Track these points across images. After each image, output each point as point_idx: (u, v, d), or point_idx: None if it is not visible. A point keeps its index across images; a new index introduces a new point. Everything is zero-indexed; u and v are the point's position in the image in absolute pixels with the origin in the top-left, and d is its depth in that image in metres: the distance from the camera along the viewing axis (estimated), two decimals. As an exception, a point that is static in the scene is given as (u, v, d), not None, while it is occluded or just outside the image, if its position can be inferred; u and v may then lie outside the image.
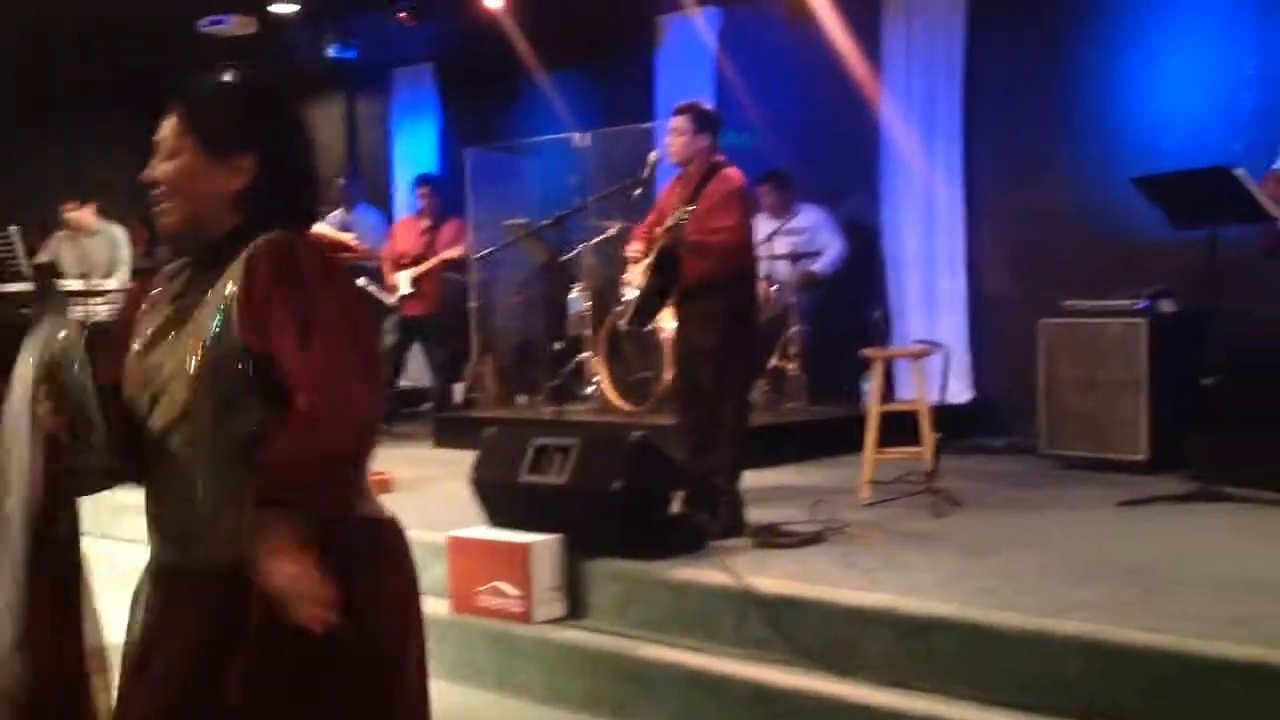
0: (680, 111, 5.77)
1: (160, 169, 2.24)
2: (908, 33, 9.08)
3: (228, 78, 2.32)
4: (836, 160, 9.37)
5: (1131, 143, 7.94)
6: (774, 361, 8.58)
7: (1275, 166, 6.55)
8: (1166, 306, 7.00)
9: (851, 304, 9.06)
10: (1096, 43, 8.25)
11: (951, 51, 8.86)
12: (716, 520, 5.27)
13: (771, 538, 5.30)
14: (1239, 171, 6.03)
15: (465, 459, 5.61)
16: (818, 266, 8.92)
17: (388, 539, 2.27)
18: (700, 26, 9.98)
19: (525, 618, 4.95)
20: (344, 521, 2.12)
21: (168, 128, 2.24)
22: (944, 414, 6.64)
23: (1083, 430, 7.07)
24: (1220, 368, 6.20)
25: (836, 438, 7.64)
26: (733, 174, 5.64)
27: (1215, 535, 5.32)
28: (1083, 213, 8.14)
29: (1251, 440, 6.38)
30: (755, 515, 5.56)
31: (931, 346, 6.83)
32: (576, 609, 5.03)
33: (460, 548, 5.23)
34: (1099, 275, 7.51)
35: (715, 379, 5.56)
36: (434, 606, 4.81)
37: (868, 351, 6.75)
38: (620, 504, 4.96)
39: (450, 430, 8.84)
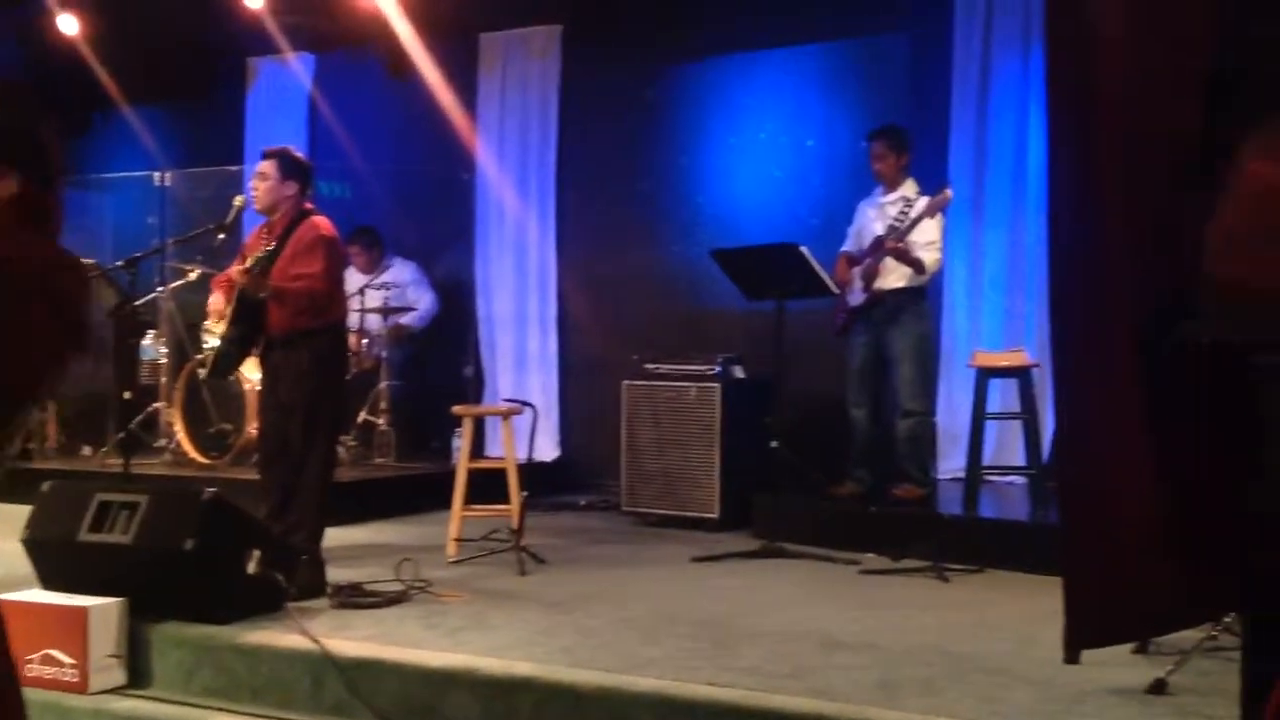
0: (267, 156, 5.59)
1: None
2: (502, 94, 9.25)
3: None
4: (433, 214, 9.40)
5: (712, 216, 8.42)
6: (363, 416, 8.43)
7: (845, 248, 7.12)
8: (738, 372, 7.40)
9: (444, 360, 9.07)
10: (682, 119, 8.70)
11: (546, 117, 9.10)
12: (295, 581, 5.09)
13: (353, 598, 5.17)
14: (804, 249, 6.50)
15: (20, 515, 5.15)
16: (408, 320, 8.87)
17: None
18: (294, 71, 9.77)
19: (81, 688, 4.58)
20: None
21: None
22: (532, 472, 6.72)
23: (661, 489, 7.35)
24: (784, 432, 6.62)
25: (425, 495, 7.58)
26: (320, 222, 5.51)
27: (776, 590, 5.63)
28: (665, 281, 8.54)
29: (805, 500, 6.89)
30: (338, 575, 5.42)
31: (521, 405, 6.90)
32: (138, 677, 4.70)
33: (9, 612, 4.76)
34: (679, 340, 7.87)
35: (301, 433, 5.39)
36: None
37: (458, 408, 6.75)
38: (191, 564, 4.69)
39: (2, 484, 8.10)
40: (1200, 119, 1.93)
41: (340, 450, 7.17)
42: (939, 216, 6.75)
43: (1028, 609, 5.00)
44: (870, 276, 6.83)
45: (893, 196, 6.92)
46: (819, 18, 8.02)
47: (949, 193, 6.71)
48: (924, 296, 6.94)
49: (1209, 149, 1.89)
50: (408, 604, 5.16)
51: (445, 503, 6.43)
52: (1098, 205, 2.17)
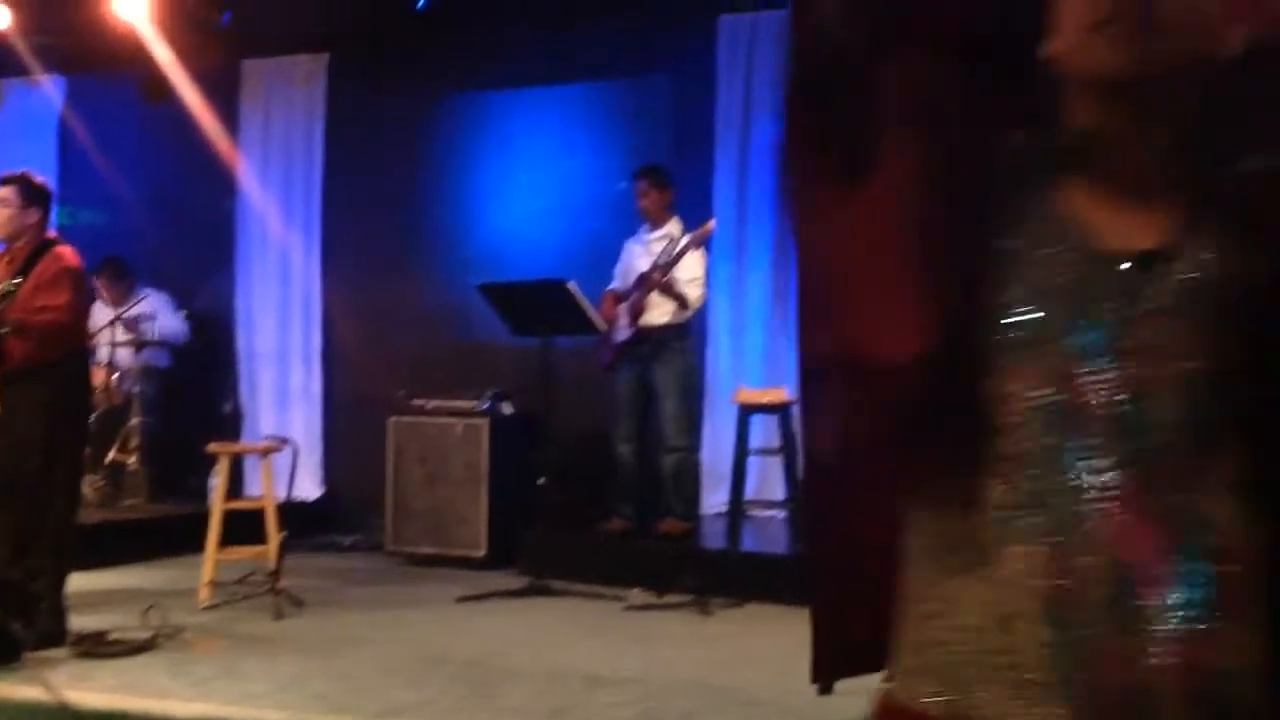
0: (6, 182, 5.32)
1: None
2: (266, 122, 9.04)
3: None
4: (193, 244, 9.07)
5: (481, 250, 8.38)
6: (112, 455, 8.04)
7: (613, 285, 7.19)
8: (506, 408, 7.38)
9: (201, 396, 8.75)
10: (451, 152, 8.65)
11: (311, 146, 8.94)
12: (34, 629, 4.81)
13: (97, 647, 4.92)
14: (571, 285, 6.54)
15: None
16: (159, 354, 8.51)
17: None
18: (44, 93, 9.32)
19: None
20: None
21: None
22: (293, 511, 6.54)
23: (427, 527, 7.25)
24: (551, 468, 6.63)
25: (179, 537, 7.27)
26: (65, 252, 5.26)
27: (542, 628, 5.63)
28: (434, 315, 8.45)
29: (572, 537, 6.91)
30: (81, 622, 5.14)
31: (281, 442, 6.72)
32: None
33: None
34: (447, 375, 7.79)
35: (40, 472, 5.10)
36: None
37: (214, 446, 6.52)
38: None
39: None
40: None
41: (86, 490, 6.82)
42: (702, 253, 6.89)
43: (787, 641, 5.09)
44: (636, 313, 6.92)
45: (658, 234, 7.04)
46: (587, 57, 8.11)
47: (712, 224, 6.87)
48: (688, 333, 7.06)
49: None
50: (155, 652, 4.94)
51: (200, 545, 6.19)
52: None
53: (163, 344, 8.52)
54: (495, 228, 8.49)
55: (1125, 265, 1.14)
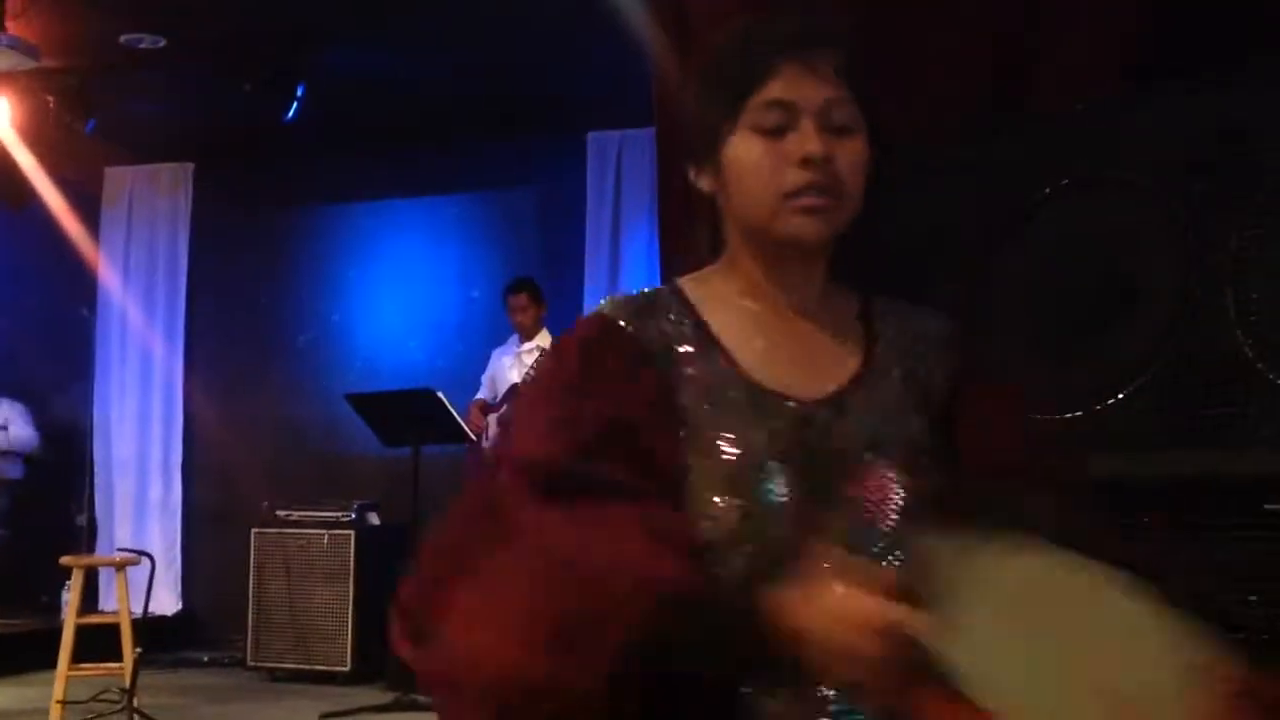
0: None
1: None
2: (129, 230, 8.94)
3: None
4: (51, 351, 8.86)
5: (346, 362, 8.34)
6: (-41, 569, 7.75)
7: (480, 395, 7.20)
8: (373, 519, 7.30)
9: (54, 507, 8.49)
10: (318, 262, 8.64)
11: (175, 254, 8.85)
12: None
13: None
14: (440, 394, 6.55)
15: None
16: (11, 465, 8.26)
17: None
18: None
19: None
20: None
21: None
22: (149, 626, 6.34)
23: (290, 641, 7.10)
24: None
25: (28, 653, 6.99)
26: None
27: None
28: (297, 425, 8.36)
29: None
30: (-80, 747, 4.91)
31: (137, 555, 6.54)
32: None
33: None
34: (313, 486, 7.69)
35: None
36: None
37: (67, 559, 6.31)
38: None
39: None
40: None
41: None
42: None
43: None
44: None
45: (529, 346, 7.08)
46: (457, 169, 8.21)
47: None
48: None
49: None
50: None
51: (51, 662, 5.95)
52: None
53: (14, 454, 8.27)
54: (364, 337, 8.47)
55: None
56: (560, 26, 6.36)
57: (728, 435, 1.32)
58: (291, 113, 7.52)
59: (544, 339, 7.06)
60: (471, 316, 8.16)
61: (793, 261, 1.42)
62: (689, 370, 1.36)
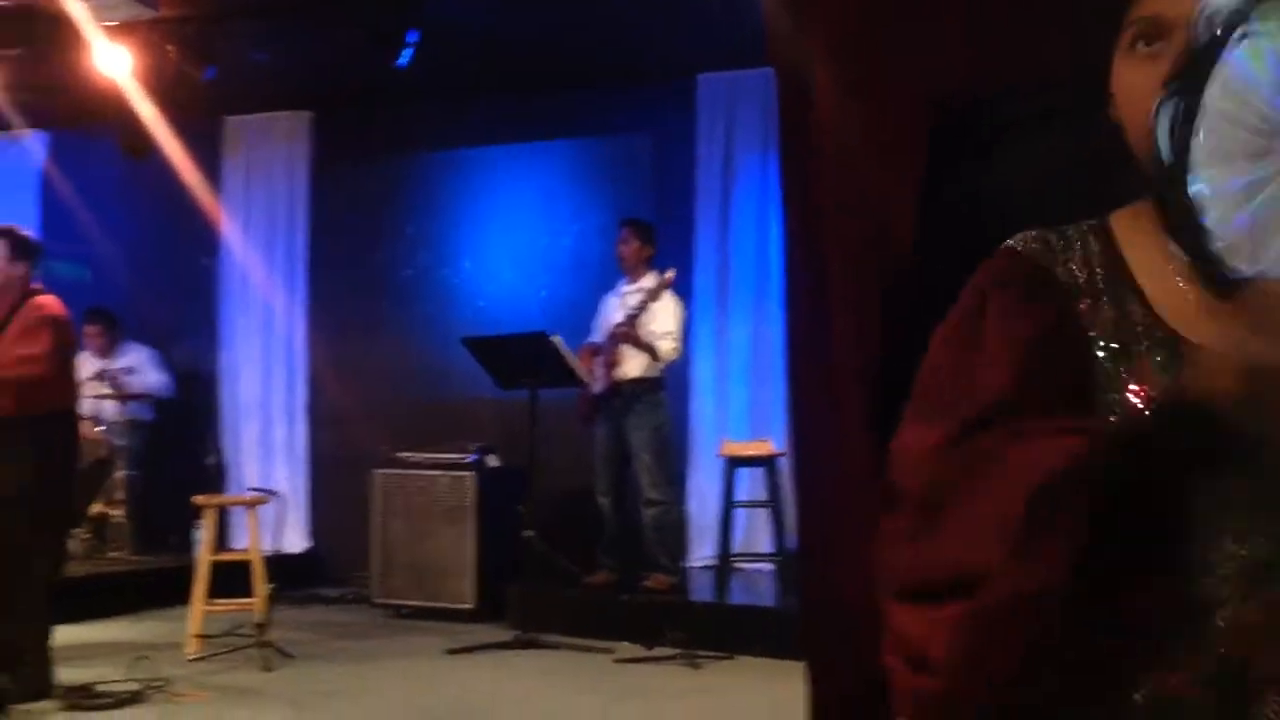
0: (-4, 235, 5.32)
1: None
2: (248, 178, 9.11)
3: None
4: (175, 298, 9.10)
5: (463, 307, 8.43)
6: (97, 508, 8.02)
7: (591, 339, 7.22)
8: (492, 461, 7.40)
9: (185, 449, 8.74)
10: (432, 210, 8.73)
11: (294, 202, 9.00)
12: (19, 683, 4.79)
13: (84, 700, 4.90)
14: (555, 338, 6.58)
15: None
16: (143, 408, 8.51)
17: None
18: (25, 147, 9.35)
19: None
20: None
21: None
22: (279, 564, 6.54)
23: (414, 579, 7.24)
24: (537, 521, 6.64)
25: (165, 589, 7.23)
26: (47, 301, 5.22)
27: (531, 681, 5.63)
28: (416, 370, 8.49)
29: (559, 590, 6.89)
30: (68, 675, 5.12)
31: (266, 494, 6.73)
32: None
33: None
34: (431, 430, 7.81)
35: (24, 527, 5.07)
36: None
37: (199, 498, 6.52)
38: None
39: None
40: (911, 231, 2.09)
41: (71, 543, 6.80)
42: (678, 306, 6.91)
43: (779, 695, 5.13)
44: (609, 366, 6.92)
45: (633, 287, 7.06)
46: (569, 114, 8.22)
47: (671, 273, 6.86)
48: (661, 386, 7.01)
49: (920, 256, 2.05)
50: (142, 704, 4.92)
51: (186, 598, 6.18)
52: (826, 300, 2.30)
53: (147, 397, 8.52)
54: (479, 283, 8.55)
55: None
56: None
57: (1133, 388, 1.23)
58: (404, 59, 7.58)
59: (649, 280, 7.03)
60: (584, 260, 8.19)
61: None
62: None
